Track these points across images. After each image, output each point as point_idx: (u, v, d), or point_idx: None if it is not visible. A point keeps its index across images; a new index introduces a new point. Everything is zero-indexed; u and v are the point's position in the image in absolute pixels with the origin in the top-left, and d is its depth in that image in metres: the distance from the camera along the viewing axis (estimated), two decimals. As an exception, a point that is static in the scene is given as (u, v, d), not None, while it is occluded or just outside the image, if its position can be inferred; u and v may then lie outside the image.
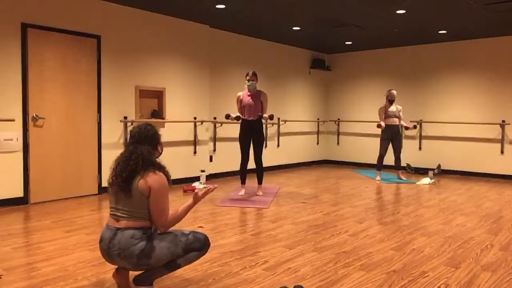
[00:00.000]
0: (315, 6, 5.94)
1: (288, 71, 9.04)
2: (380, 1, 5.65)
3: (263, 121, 5.72)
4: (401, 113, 7.42)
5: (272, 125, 8.67)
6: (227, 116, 5.64)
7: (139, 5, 6.00)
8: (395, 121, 7.33)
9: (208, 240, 2.53)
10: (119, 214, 2.41)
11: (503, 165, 7.84)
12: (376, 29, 7.30)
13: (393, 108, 7.34)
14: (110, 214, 2.47)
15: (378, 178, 7.48)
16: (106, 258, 2.45)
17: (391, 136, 7.34)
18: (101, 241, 2.45)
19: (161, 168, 2.48)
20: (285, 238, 3.82)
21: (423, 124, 8.70)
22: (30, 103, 5.07)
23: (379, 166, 7.53)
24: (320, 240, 3.76)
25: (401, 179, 7.43)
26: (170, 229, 2.51)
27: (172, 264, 2.45)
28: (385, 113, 7.35)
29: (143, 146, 2.48)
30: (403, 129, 7.56)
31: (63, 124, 5.40)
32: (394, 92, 7.40)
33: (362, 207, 5.22)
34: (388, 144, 7.40)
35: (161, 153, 2.62)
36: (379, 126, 7.36)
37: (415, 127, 7.56)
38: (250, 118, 5.62)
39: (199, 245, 2.47)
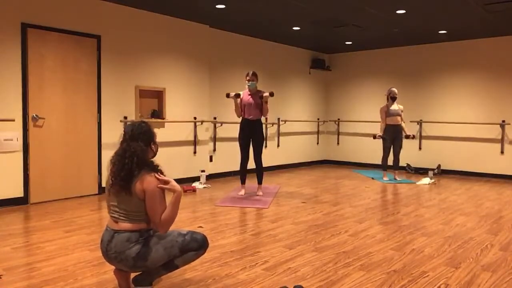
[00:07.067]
0: (315, 6, 5.94)
1: (288, 71, 9.04)
2: (380, 1, 5.65)
3: (263, 120, 5.71)
4: (402, 113, 7.31)
5: (272, 125, 8.67)
6: (228, 95, 5.61)
7: (139, 5, 6.00)
8: (398, 119, 7.19)
9: (207, 240, 2.50)
10: (116, 216, 2.40)
11: (503, 165, 7.84)
12: (376, 29, 7.29)
13: (395, 106, 7.22)
14: (110, 215, 2.45)
15: (385, 178, 7.37)
16: (106, 259, 2.46)
17: (393, 135, 7.23)
18: (101, 242, 2.45)
19: (155, 169, 2.40)
20: (285, 238, 3.82)
21: (423, 124, 8.70)
22: (30, 103, 5.07)
23: (384, 166, 7.44)
24: (320, 240, 3.76)
25: (395, 179, 7.32)
26: (169, 229, 2.50)
27: (170, 265, 2.44)
28: (386, 112, 7.23)
29: (136, 143, 2.41)
30: (404, 132, 7.41)
31: (63, 124, 5.40)
32: (395, 89, 7.30)
33: (362, 207, 5.22)
34: (391, 144, 7.28)
35: (155, 153, 2.55)
36: (375, 137, 7.32)
37: (413, 137, 7.53)
38: (250, 117, 5.62)
39: (196, 245, 2.44)
